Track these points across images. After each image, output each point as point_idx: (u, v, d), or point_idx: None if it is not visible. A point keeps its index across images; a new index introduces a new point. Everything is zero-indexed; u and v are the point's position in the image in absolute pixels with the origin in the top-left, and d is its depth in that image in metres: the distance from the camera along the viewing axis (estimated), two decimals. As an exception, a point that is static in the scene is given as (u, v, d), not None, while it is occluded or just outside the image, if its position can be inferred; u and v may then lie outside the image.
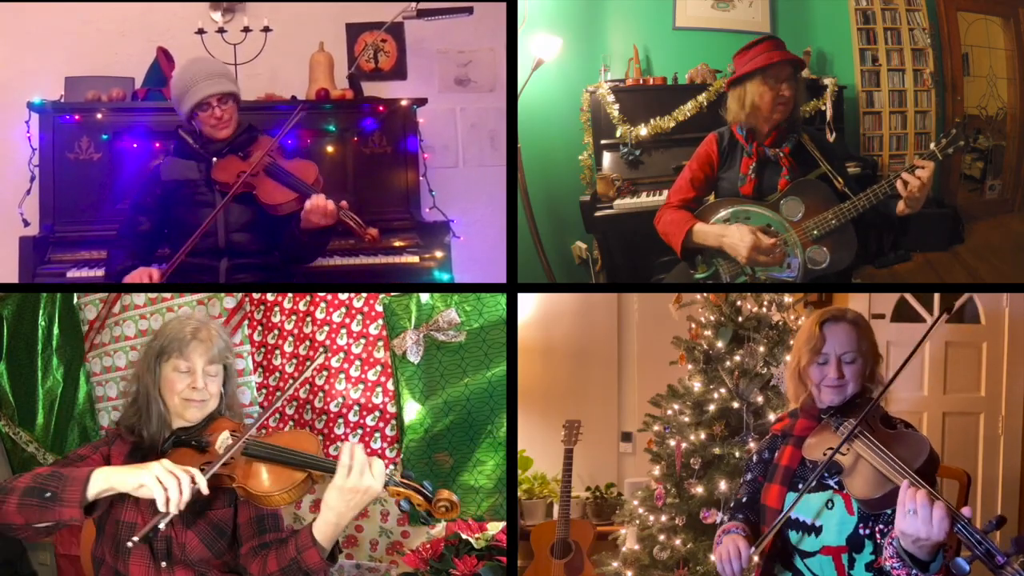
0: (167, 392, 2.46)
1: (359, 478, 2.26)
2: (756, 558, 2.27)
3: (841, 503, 2.23)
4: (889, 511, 2.08)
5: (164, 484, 2.12)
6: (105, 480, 2.15)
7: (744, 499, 2.46)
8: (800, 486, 2.29)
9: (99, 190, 4.01)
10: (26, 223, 4.06)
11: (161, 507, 2.12)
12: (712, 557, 3.36)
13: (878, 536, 2.16)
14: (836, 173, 3.20)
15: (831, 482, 2.26)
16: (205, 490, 2.20)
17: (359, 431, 3.39)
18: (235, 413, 2.61)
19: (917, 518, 1.88)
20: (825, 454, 2.22)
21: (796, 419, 2.45)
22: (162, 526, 2.15)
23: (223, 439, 2.41)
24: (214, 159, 3.33)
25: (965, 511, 1.89)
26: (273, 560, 2.35)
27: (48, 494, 2.12)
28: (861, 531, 2.19)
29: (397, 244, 4.12)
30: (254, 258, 3.35)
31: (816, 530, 2.25)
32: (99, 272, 3.77)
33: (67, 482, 2.13)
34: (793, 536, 2.29)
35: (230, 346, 2.58)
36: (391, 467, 2.37)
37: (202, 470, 2.25)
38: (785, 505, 2.30)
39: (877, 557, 2.15)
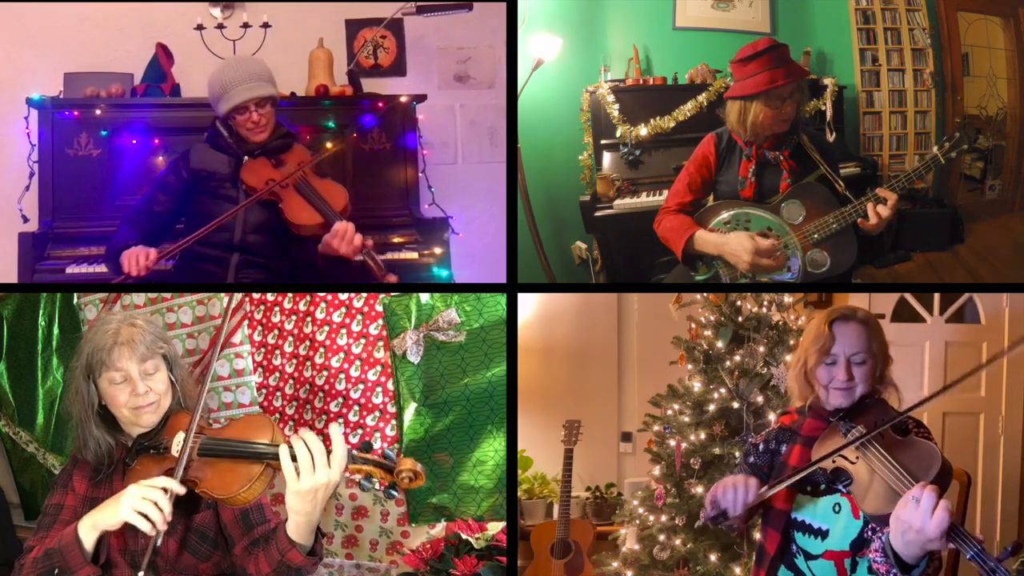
0: (113, 407, 2.37)
1: (310, 477, 2.14)
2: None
3: (847, 506, 2.22)
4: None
5: (142, 511, 2.10)
6: (92, 529, 2.16)
7: None
8: (808, 488, 2.28)
9: (98, 186, 4.02)
10: (25, 219, 4.07)
11: (150, 533, 2.12)
12: (713, 558, 3.39)
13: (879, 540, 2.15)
14: (837, 176, 3.19)
15: (839, 485, 2.24)
16: (181, 489, 2.17)
17: (359, 431, 3.38)
18: (189, 398, 2.50)
19: (918, 507, 1.84)
20: (833, 461, 2.19)
21: (805, 417, 2.40)
22: (159, 542, 2.15)
23: (177, 440, 2.32)
24: (245, 158, 3.31)
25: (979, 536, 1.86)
26: (263, 561, 2.28)
27: (57, 571, 2.13)
28: (866, 535, 2.18)
29: (396, 240, 4.12)
30: (266, 259, 3.34)
31: (822, 533, 2.25)
32: (99, 268, 3.76)
33: (65, 553, 2.14)
34: (798, 537, 2.29)
35: (160, 334, 2.45)
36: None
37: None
38: (793, 507, 2.29)
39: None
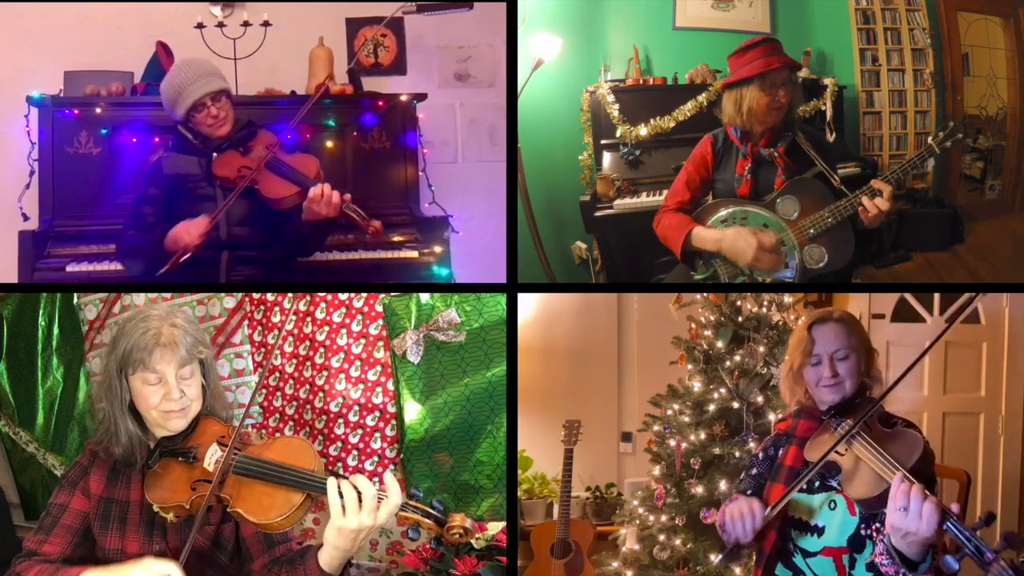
0: (142, 406, 2.29)
1: (356, 517, 2.08)
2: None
3: (843, 503, 2.24)
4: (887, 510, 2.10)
5: None
6: None
7: (748, 492, 2.46)
8: (803, 486, 2.30)
9: (98, 184, 4.01)
10: (25, 217, 4.06)
11: None
12: (712, 558, 3.39)
13: (873, 534, 2.17)
14: (832, 171, 3.19)
15: (833, 483, 2.26)
16: None
17: (359, 431, 3.38)
18: (222, 405, 2.44)
19: (907, 513, 1.89)
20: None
21: (799, 420, 2.47)
22: None
23: (211, 452, 2.26)
24: (214, 154, 3.33)
25: (954, 507, 1.90)
26: None
27: None
28: (863, 532, 2.20)
29: (396, 239, 4.12)
30: (254, 251, 3.35)
31: (818, 531, 2.26)
32: (99, 266, 3.77)
33: None
34: (795, 536, 2.30)
35: (200, 338, 2.35)
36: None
37: (193, 489, 2.19)
38: (789, 505, 2.30)
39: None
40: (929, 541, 1.89)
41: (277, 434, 3.42)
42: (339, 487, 2.10)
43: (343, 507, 2.08)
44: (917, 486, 1.91)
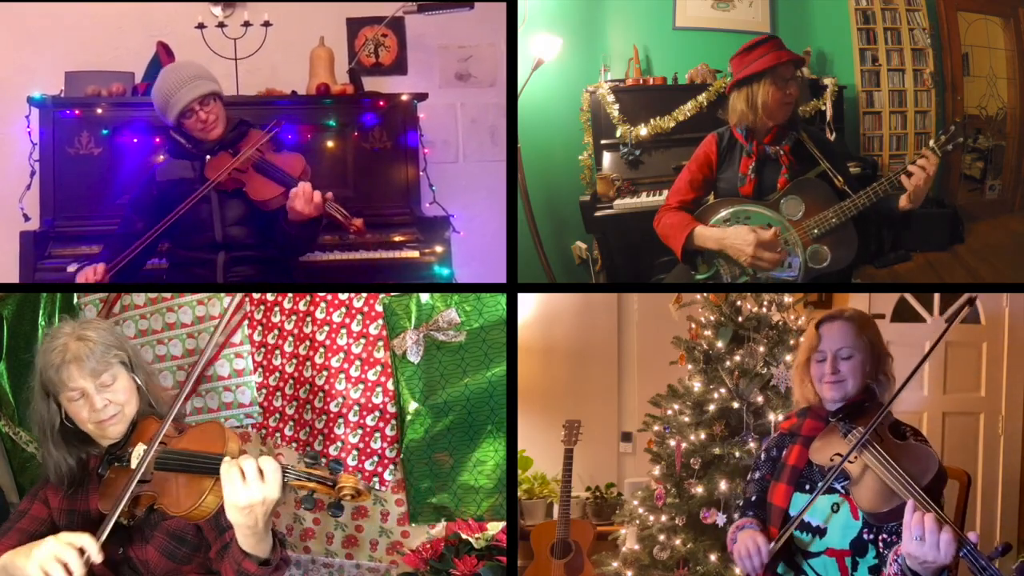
0: (78, 422, 2.31)
1: (244, 491, 2.04)
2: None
3: (847, 507, 2.25)
4: (894, 523, 2.10)
5: (49, 573, 1.98)
6: (2, 570, 2.07)
7: (753, 498, 2.47)
8: (807, 487, 2.31)
9: (99, 185, 4.02)
10: (26, 218, 4.07)
11: None
12: (712, 558, 3.39)
13: (881, 545, 2.17)
14: (836, 171, 3.19)
15: (838, 486, 2.27)
16: (98, 559, 2.05)
17: (359, 431, 3.38)
18: (163, 402, 2.43)
19: (924, 544, 1.90)
20: (832, 459, 2.24)
21: (804, 419, 2.48)
22: None
23: (136, 452, 2.25)
24: (207, 157, 3.33)
25: (972, 536, 1.92)
26: (227, 566, 2.21)
27: None
28: (865, 536, 2.21)
29: (397, 239, 4.12)
30: (251, 251, 3.36)
31: (821, 532, 2.27)
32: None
33: None
34: (798, 536, 2.31)
35: (114, 342, 2.37)
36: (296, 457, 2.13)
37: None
38: (791, 504, 2.33)
39: (880, 564, 2.17)
40: (946, 567, 1.92)
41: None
42: (229, 469, 2.08)
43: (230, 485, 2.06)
44: (931, 515, 1.93)
